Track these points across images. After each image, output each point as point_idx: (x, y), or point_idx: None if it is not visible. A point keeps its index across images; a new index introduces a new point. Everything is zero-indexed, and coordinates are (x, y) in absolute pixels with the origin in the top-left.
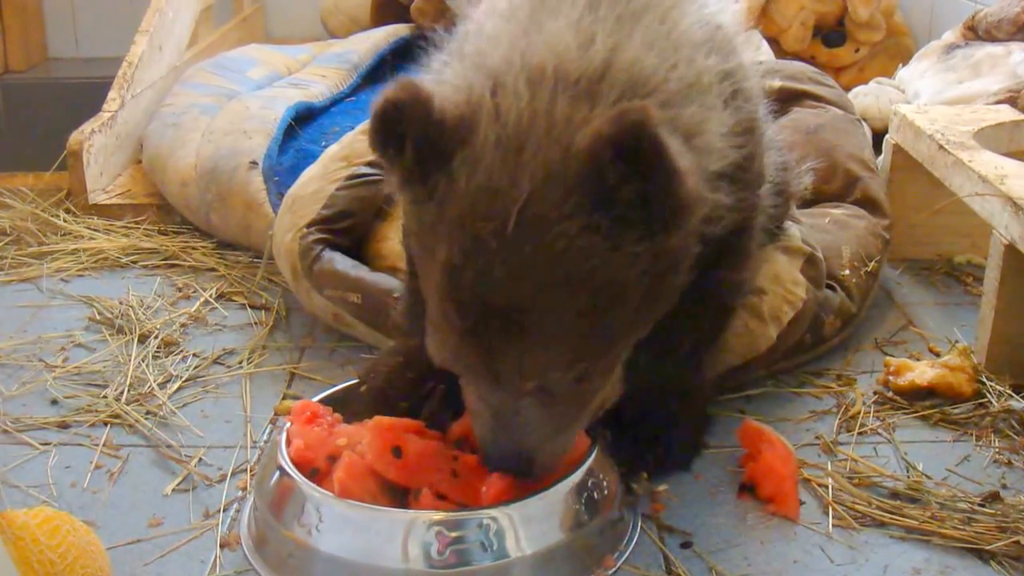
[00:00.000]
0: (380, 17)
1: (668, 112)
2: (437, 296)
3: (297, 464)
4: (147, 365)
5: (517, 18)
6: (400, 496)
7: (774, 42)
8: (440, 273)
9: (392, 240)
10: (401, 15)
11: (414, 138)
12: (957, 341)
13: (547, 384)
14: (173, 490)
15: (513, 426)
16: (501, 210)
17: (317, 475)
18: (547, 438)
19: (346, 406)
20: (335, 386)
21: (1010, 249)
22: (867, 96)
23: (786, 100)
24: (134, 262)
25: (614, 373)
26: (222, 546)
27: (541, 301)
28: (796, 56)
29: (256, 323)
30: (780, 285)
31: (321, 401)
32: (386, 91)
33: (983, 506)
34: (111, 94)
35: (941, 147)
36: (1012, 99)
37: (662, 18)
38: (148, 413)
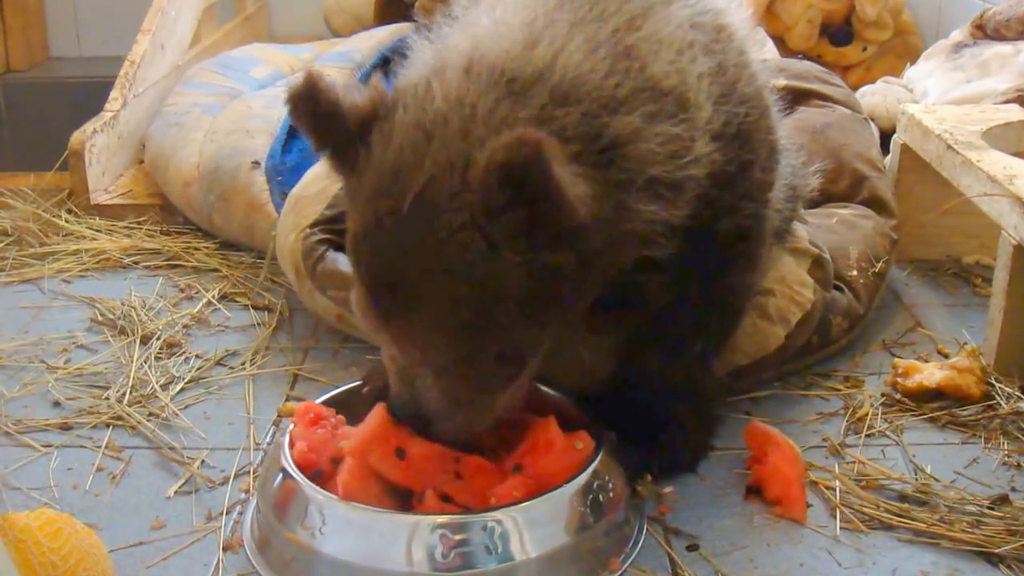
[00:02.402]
0: (383, 16)
1: (597, 120)
2: (350, 258)
3: (300, 466)
4: (149, 366)
5: (488, 9)
6: (404, 499)
7: (780, 40)
8: (349, 241)
9: None
10: (405, 14)
11: (310, 128)
12: (966, 343)
13: (430, 359)
14: (175, 492)
15: (414, 389)
16: (401, 191)
17: (320, 477)
18: (444, 409)
19: (349, 408)
20: (338, 388)
21: (1019, 250)
22: (874, 95)
23: (792, 99)
24: (136, 263)
25: (524, 369)
26: (225, 549)
27: (424, 283)
28: (802, 55)
29: (259, 324)
30: (787, 286)
31: (324, 403)
32: (290, 85)
33: (992, 509)
34: (113, 93)
35: (949, 147)
36: (1021, 98)
37: (627, 24)
38: (150, 415)
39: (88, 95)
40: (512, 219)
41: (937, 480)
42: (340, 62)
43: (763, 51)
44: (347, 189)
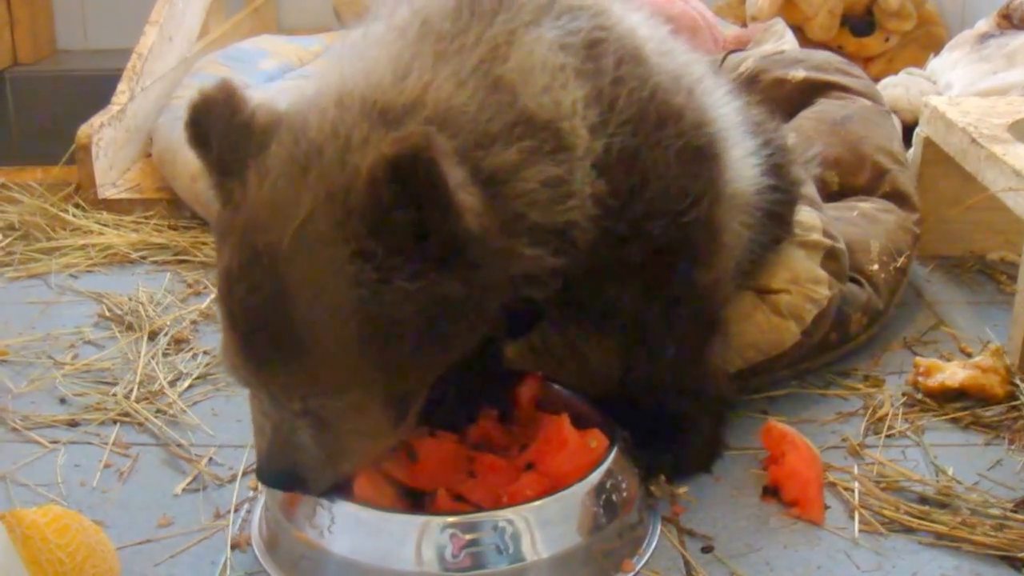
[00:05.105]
0: None
1: (474, 154)
2: (218, 302)
3: None
4: (157, 362)
5: (356, 43)
6: (418, 501)
7: (800, 31)
8: (220, 280)
9: None
10: None
11: (217, 138)
12: (989, 341)
13: (313, 408)
14: (183, 490)
15: (289, 445)
16: (280, 225)
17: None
18: (322, 464)
19: None
20: None
21: None
22: (897, 87)
23: (812, 91)
24: (144, 257)
25: (409, 411)
26: (233, 547)
27: (308, 323)
28: (823, 45)
29: None
30: (800, 285)
31: None
32: (202, 87)
33: (1016, 512)
34: (120, 86)
35: (974, 140)
36: None
37: (491, 53)
38: (158, 411)
39: (95, 88)
40: (400, 222)
41: (959, 482)
42: None
43: (782, 42)
44: (218, 222)
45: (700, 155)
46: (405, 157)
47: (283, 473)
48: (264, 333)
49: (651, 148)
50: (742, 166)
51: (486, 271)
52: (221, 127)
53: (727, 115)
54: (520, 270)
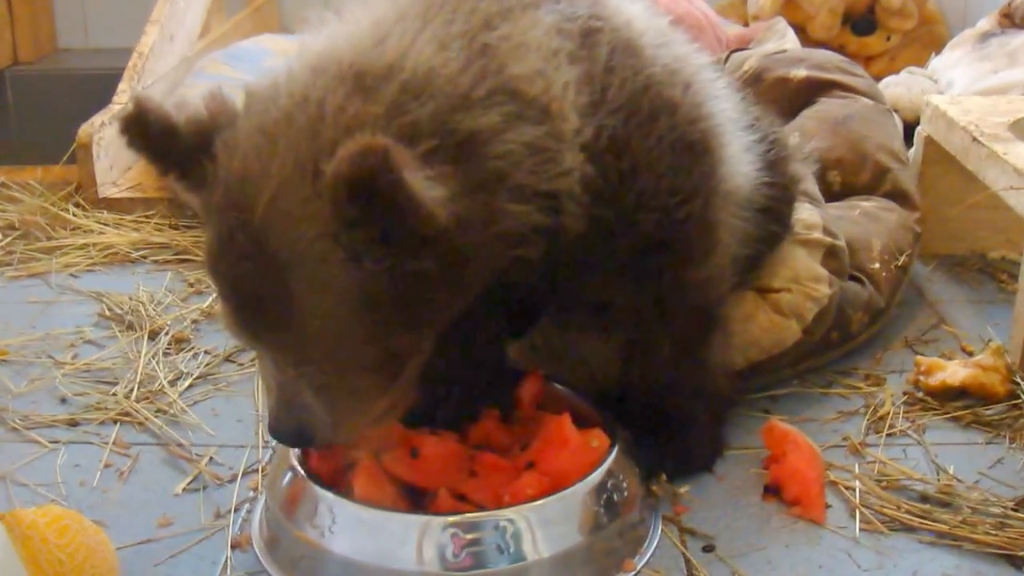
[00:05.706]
0: None
1: (450, 117)
2: (209, 276)
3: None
4: (157, 362)
5: (341, 12)
6: (419, 500)
7: (801, 30)
8: (205, 258)
9: None
10: None
11: (144, 147)
12: (990, 340)
13: (307, 373)
14: (183, 489)
15: (294, 404)
16: (251, 201)
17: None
18: (328, 425)
19: None
20: None
21: None
22: (898, 86)
23: (814, 90)
24: (144, 257)
25: (403, 370)
26: (233, 547)
27: (287, 298)
28: (824, 45)
29: None
30: (801, 284)
31: None
32: (119, 113)
33: (1016, 510)
34: (121, 85)
35: (975, 139)
36: None
37: (482, 24)
38: (158, 411)
39: (96, 87)
40: (368, 231)
41: (960, 481)
42: None
43: (783, 41)
44: (201, 206)
45: (693, 150)
46: (364, 178)
47: (292, 430)
48: (250, 306)
49: (643, 139)
50: (739, 161)
51: (461, 242)
52: (142, 142)
53: (725, 110)
54: (505, 228)
